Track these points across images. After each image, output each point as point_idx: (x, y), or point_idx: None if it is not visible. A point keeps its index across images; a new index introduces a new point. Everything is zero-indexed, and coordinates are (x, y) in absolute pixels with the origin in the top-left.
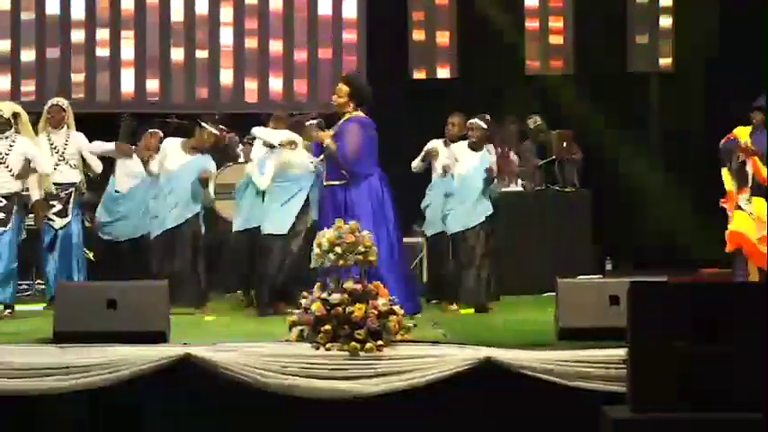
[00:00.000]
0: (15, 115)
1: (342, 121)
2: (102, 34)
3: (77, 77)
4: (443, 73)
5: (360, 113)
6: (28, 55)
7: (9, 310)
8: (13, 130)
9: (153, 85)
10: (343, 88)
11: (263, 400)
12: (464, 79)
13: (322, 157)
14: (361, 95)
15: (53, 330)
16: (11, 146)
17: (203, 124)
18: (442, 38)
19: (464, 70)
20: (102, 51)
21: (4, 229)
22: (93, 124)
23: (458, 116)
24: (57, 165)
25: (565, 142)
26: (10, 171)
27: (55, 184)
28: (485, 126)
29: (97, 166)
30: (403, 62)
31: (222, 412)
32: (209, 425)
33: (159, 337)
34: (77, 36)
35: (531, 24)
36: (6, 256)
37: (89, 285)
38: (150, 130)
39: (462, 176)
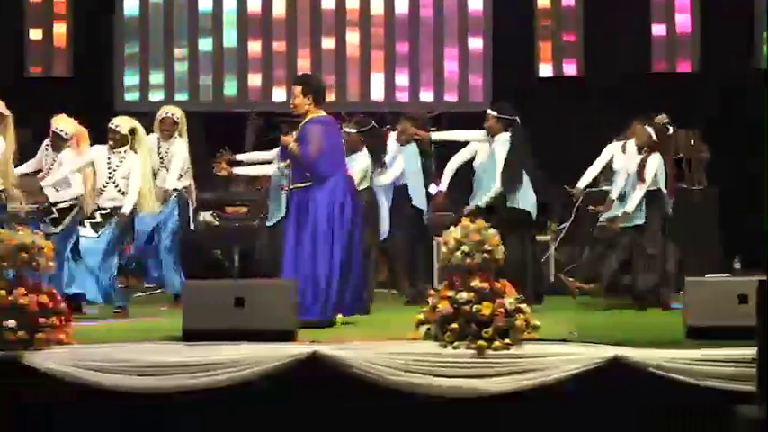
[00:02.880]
0: (132, 131)
1: (303, 123)
2: (231, 35)
3: (205, 78)
4: (570, 70)
5: (320, 113)
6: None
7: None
8: (129, 146)
9: (280, 84)
10: (298, 89)
11: (391, 398)
12: (589, 77)
13: (288, 161)
14: (318, 93)
15: (182, 328)
16: (120, 162)
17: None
18: (568, 36)
19: (590, 68)
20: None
21: (97, 234)
22: (220, 123)
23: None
24: (158, 171)
25: (692, 140)
26: (117, 188)
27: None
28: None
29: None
30: (529, 60)
31: (349, 410)
32: (337, 422)
33: (287, 336)
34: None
35: (658, 22)
36: (95, 258)
37: (217, 284)
38: None
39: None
